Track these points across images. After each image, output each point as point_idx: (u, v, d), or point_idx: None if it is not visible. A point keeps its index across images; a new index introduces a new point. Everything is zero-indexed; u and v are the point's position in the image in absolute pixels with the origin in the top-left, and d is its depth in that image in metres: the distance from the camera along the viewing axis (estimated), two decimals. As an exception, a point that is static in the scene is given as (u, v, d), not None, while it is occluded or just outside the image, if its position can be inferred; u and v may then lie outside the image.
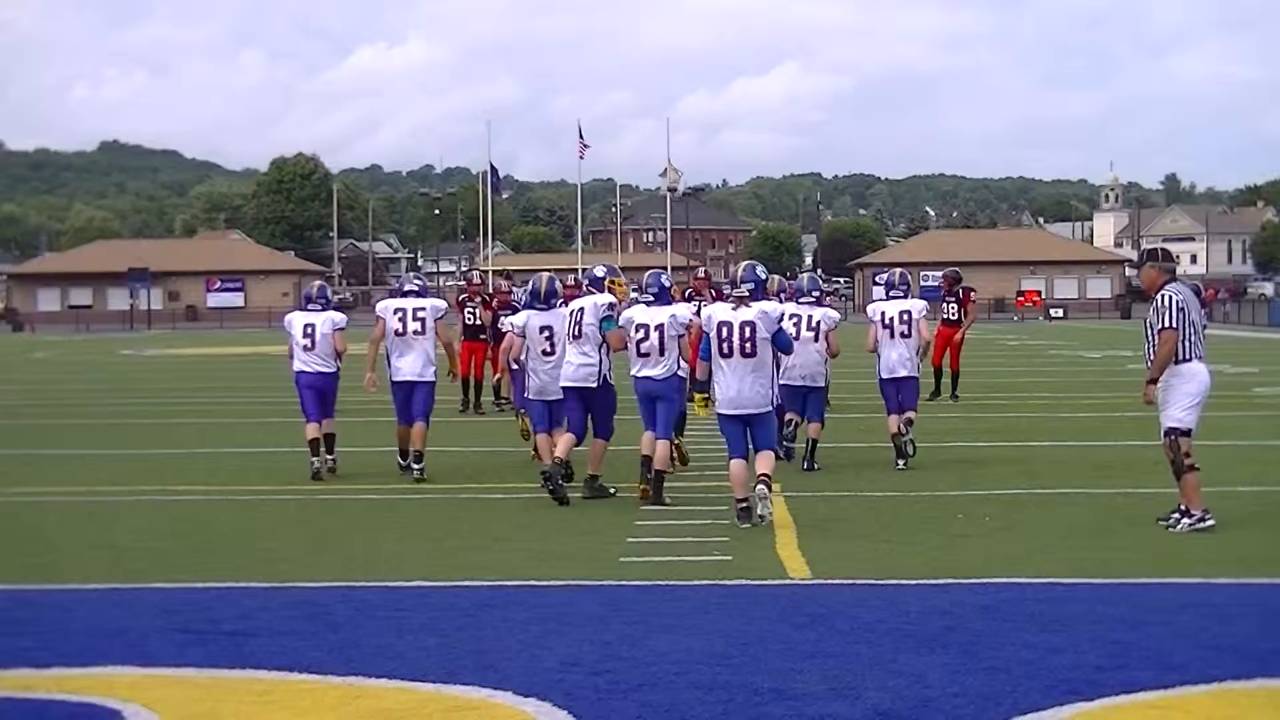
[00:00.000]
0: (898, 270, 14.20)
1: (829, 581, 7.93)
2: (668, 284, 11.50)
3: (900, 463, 13.05)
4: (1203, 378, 9.53)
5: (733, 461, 10.14)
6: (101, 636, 6.83)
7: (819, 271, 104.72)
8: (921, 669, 5.99)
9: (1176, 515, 9.51)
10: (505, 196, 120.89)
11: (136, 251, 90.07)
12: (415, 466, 12.68)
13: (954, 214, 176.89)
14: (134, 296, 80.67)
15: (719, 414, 10.40)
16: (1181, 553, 8.75)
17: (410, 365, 12.80)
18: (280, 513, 10.94)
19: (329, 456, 13.13)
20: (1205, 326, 9.73)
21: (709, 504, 10.79)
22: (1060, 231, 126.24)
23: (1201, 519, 9.41)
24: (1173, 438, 9.45)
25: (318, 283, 13.99)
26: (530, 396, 12.06)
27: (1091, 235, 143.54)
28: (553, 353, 11.87)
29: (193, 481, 12.66)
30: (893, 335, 13.33)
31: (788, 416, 13.37)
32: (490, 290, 19.85)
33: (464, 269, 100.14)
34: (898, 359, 13.31)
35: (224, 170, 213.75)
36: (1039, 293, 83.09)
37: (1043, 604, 7.29)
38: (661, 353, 10.99)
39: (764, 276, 10.62)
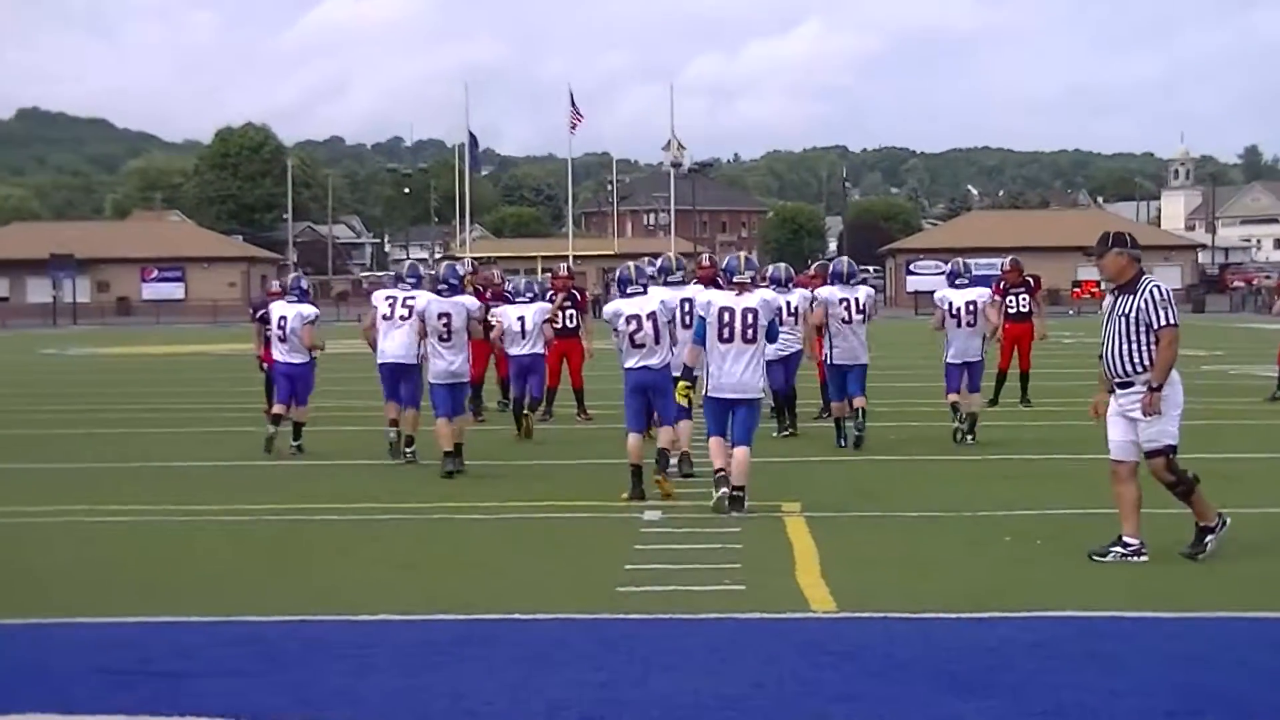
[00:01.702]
0: (960, 260, 16.87)
1: (857, 614, 7.93)
2: (680, 268, 13.43)
3: (961, 428, 15.83)
4: (1181, 387, 9.45)
5: (712, 438, 11.61)
6: (18, 679, 6.82)
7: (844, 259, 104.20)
8: (963, 714, 5.99)
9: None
10: (484, 173, 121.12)
11: (60, 235, 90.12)
12: (406, 451, 14.70)
13: (1000, 193, 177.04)
14: (57, 287, 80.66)
15: (708, 397, 11.69)
16: (1261, 582, 8.75)
17: (394, 348, 14.91)
18: (226, 535, 10.93)
19: (294, 443, 15.75)
20: None
21: (717, 526, 10.80)
22: (1123, 212, 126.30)
23: (1222, 524, 9.36)
24: (1168, 456, 9.29)
25: (293, 274, 17.07)
26: (432, 381, 14.07)
27: (1159, 217, 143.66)
28: (450, 339, 13.97)
29: (124, 500, 12.66)
30: (960, 324, 15.95)
31: (835, 412, 15.95)
32: (481, 282, 19.86)
33: (437, 255, 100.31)
34: (966, 347, 15.94)
35: (161, 142, 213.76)
36: (1098, 283, 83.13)
37: (1103, 640, 7.30)
38: (657, 341, 12.26)
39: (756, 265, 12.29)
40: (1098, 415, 9.67)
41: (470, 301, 14.52)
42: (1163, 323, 9.25)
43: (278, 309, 16.30)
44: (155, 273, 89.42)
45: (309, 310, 16.32)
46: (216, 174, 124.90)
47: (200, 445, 17.18)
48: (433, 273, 16.65)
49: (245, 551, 10.27)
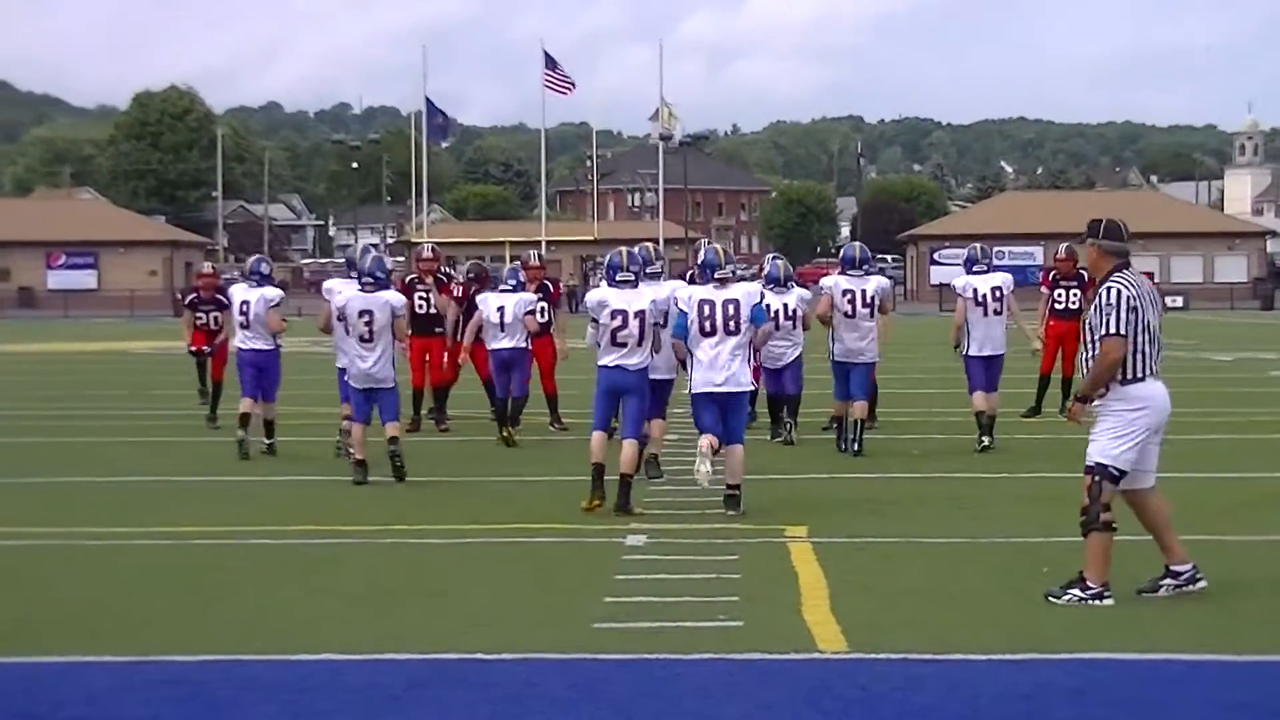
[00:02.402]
0: (978, 245, 17.53)
1: (871, 656, 7.96)
2: (658, 261, 13.63)
3: (985, 440, 16.37)
4: (1156, 403, 9.19)
5: (705, 436, 12.32)
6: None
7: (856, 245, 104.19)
8: (992, 770, 6.01)
9: (1168, 579, 9.30)
10: (446, 144, 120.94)
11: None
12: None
13: (1038, 170, 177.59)
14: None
15: (695, 394, 12.48)
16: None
17: None
18: (145, 562, 10.93)
19: (267, 440, 16.73)
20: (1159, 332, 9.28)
21: (711, 553, 10.84)
22: (1180, 194, 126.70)
23: (1100, 594, 9.11)
24: (1095, 477, 9.13)
25: (254, 257, 18.27)
26: (351, 384, 14.64)
27: (1222, 199, 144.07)
28: (372, 340, 14.46)
29: (28, 522, 12.65)
30: (986, 312, 16.65)
31: (836, 411, 16.72)
32: (454, 272, 19.90)
33: (390, 240, 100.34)
34: (992, 337, 16.66)
35: (70, 108, 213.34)
36: (1151, 274, 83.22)
37: (1150, 686, 7.35)
38: (640, 342, 12.81)
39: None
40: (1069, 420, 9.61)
41: (395, 298, 14.86)
42: (1102, 331, 9.11)
43: (238, 293, 17.24)
44: (63, 259, 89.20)
45: (273, 293, 17.21)
46: (134, 145, 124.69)
47: (115, 457, 17.14)
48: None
49: (166, 580, 10.25)
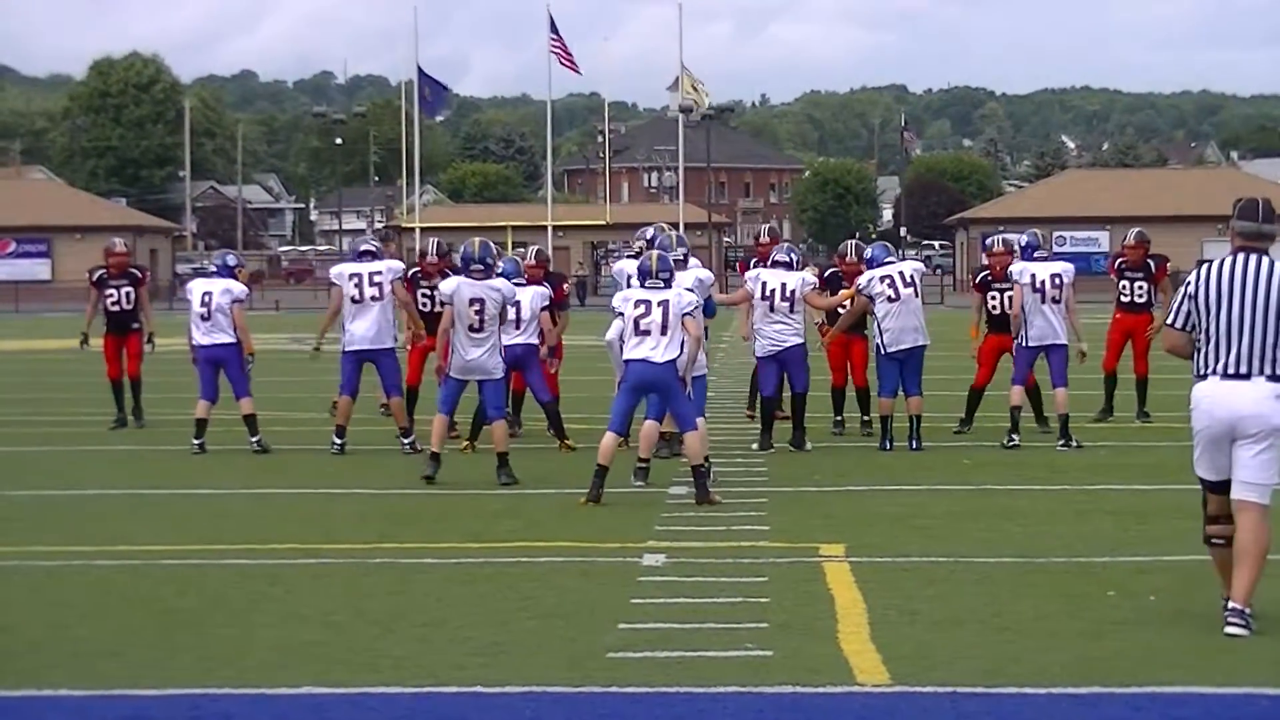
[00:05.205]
0: (1036, 231, 18.32)
1: (917, 689, 7.96)
2: (682, 254, 15.32)
3: (1014, 439, 17.39)
4: (1210, 407, 9.06)
5: (648, 423, 14.53)
6: None
7: (903, 232, 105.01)
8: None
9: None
10: (441, 118, 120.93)
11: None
12: (405, 441, 17.42)
13: (1104, 146, 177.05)
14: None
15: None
16: None
17: (365, 332, 17.06)
18: (105, 585, 10.94)
19: (253, 439, 17.56)
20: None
21: (737, 574, 10.84)
22: (1266, 172, 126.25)
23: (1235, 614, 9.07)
24: (1203, 489, 9.33)
25: (219, 251, 19.47)
26: (452, 374, 15.40)
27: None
28: (481, 330, 15.20)
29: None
30: (1044, 299, 17.40)
31: (881, 410, 17.40)
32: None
33: (378, 226, 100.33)
34: (1051, 326, 17.44)
35: (19, 77, 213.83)
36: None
37: (1234, 723, 7.32)
38: (664, 331, 13.85)
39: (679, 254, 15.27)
40: None
41: (506, 286, 15.54)
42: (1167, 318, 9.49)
43: (199, 285, 17.94)
44: (13, 246, 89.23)
45: (239, 288, 18.02)
46: (92, 119, 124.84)
47: (70, 468, 17.17)
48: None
49: (128, 606, 10.27)
